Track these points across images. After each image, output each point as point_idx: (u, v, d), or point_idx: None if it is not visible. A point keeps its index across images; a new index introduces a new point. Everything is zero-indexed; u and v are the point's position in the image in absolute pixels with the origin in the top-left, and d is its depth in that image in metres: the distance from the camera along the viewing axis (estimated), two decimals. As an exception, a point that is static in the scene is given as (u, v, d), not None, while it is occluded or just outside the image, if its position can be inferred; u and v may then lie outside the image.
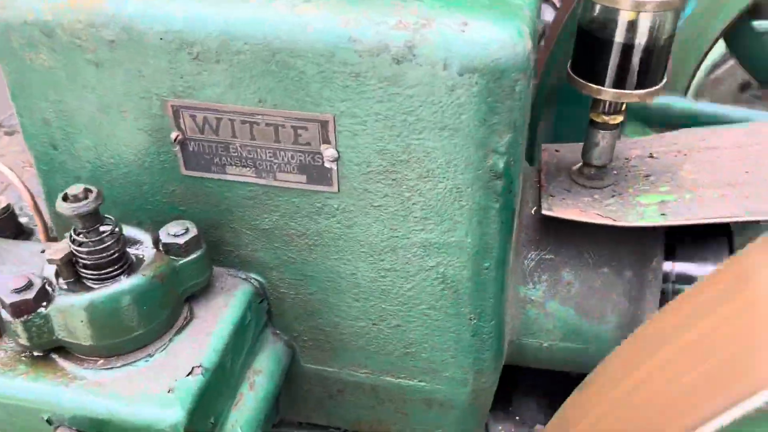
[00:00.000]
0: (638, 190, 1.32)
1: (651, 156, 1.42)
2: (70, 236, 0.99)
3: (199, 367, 1.02)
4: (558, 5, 2.09)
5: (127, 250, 1.04)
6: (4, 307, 0.94)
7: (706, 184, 1.29)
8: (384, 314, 1.17)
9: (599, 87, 1.20)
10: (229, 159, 1.05)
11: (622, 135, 1.52)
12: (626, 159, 1.42)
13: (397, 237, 1.06)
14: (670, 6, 1.09)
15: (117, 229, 1.00)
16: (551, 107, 1.93)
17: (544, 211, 1.22)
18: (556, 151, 1.44)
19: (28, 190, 1.29)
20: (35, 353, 0.93)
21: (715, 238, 1.38)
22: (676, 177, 1.33)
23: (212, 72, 0.88)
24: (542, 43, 1.83)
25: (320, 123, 0.98)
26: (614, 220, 1.23)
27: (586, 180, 1.34)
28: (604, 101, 1.23)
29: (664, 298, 1.34)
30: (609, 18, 1.13)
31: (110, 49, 0.89)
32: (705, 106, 2.04)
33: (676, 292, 1.34)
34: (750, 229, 1.28)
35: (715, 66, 2.50)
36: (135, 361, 1.02)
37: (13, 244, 1.12)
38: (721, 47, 2.26)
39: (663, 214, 1.23)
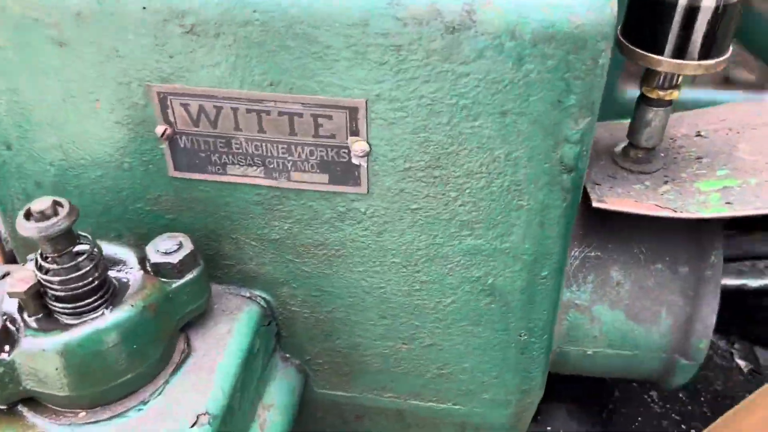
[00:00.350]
0: (693, 174, 1.16)
1: (699, 134, 1.25)
2: (37, 262, 0.78)
3: (205, 414, 0.83)
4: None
5: (109, 274, 0.84)
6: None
7: (771, 166, 1.14)
8: (416, 333, 0.99)
9: (658, 57, 1.02)
10: (230, 157, 0.85)
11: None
12: (671, 139, 1.26)
13: (437, 245, 0.88)
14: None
15: (95, 250, 0.80)
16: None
17: (595, 203, 1.05)
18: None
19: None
20: (-2, 407, 0.70)
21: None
22: (733, 159, 1.17)
23: (211, 49, 0.69)
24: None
25: (348, 110, 0.78)
26: (675, 212, 1.06)
27: (632, 164, 1.17)
28: (661, 73, 1.06)
29: (725, 297, 1.19)
30: (675, -25, 0.96)
31: (77, 23, 0.70)
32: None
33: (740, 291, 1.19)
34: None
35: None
36: (125, 412, 0.83)
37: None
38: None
39: (728, 203, 1.07)
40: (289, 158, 0.85)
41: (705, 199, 1.10)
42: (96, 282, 0.81)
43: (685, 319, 1.17)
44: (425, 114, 0.78)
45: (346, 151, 0.83)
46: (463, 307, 0.95)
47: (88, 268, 0.80)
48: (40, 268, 0.79)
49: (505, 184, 0.82)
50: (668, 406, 1.53)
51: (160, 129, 0.85)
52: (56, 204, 0.76)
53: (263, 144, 0.85)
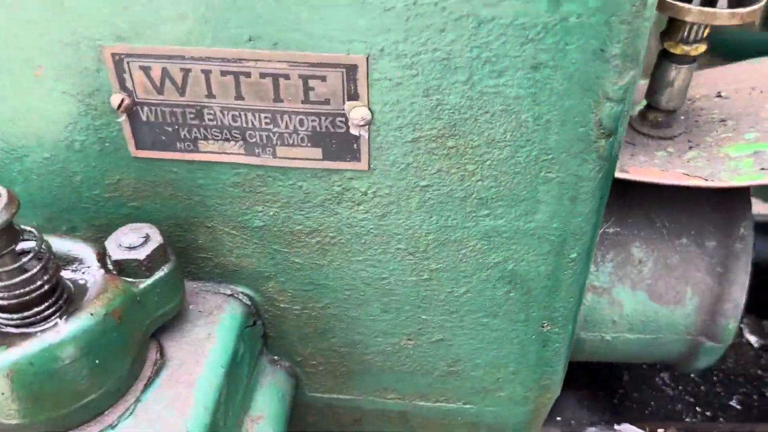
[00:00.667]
0: (718, 139, 1.04)
1: (719, 95, 1.14)
2: (-30, 265, 0.64)
3: (185, 437, 0.69)
4: None
5: (62, 275, 0.70)
6: None
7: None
8: (424, 327, 0.86)
9: (685, 5, 0.90)
10: (203, 130, 0.71)
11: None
12: (689, 100, 1.14)
13: (450, 227, 0.75)
14: None
15: (44, 248, 0.66)
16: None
17: (617, 173, 0.93)
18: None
19: None
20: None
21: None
22: (760, 121, 1.06)
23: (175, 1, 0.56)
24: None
25: (345, 69, 0.65)
26: (706, 180, 0.95)
27: (651, 128, 1.06)
28: (687, 24, 0.94)
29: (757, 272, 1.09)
30: None
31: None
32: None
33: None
34: None
35: None
36: (90, 439, 0.69)
37: None
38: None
39: (764, 169, 0.96)
40: (274, 130, 0.71)
41: (736, 165, 0.98)
42: (46, 286, 0.67)
43: (712, 299, 1.06)
44: (439, 71, 0.65)
45: (343, 119, 0.70)
46: (477, 297, 0.83)
47: (35, 269, 0.66)
48: (-26, 272, 0.64)
49: (532, 153, 0.70)
50: (680, 387, 1.44)
51: (116, 99, 0.70)
52: (-11, 193, 0.61)
53: (242, 114, 0.71)
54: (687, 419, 1.36)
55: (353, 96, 0.68)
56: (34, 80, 0.71)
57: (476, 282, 0.82)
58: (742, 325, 1.56)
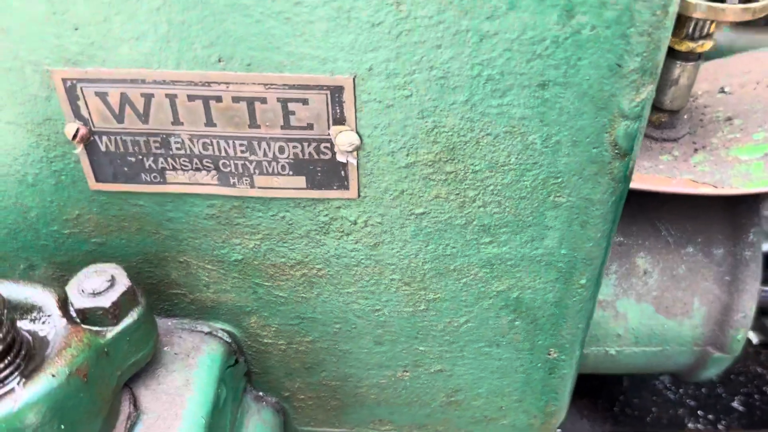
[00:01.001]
0: (725, 139, 0.98)
1: (723, 91, 1.08)
2: None
3: (164, 505, 0.62)
4: None
5: (20, 327, 0.62)
6: None
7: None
8: (421, 358, 0.80)
9: (693, 1, 0.83)
10: (170, 160, 0.63)
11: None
12: (691, 97, 1.08)
13: (449, 256, 0.68)
14: None
15: (-7, 301, 0.58)
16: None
17: (622, 184, 0.86)
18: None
19: None
20: None
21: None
22: (768, 118, 1.00)
23: (132, 15, 0.48)
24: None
25: (330, 91, 0.57)
26: (716, 187, 0.88)
27: (654, 129, 0.99)
28: (693, 20, 0.87)
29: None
30: None
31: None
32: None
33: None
34: None
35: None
36: None
37: None
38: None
39: (776, 173, 0.90)
40: (251, 158, 0.64)
41: (747, 169, 0.92)
42: (0, 346, 0.59)
43: (720, 309, 1.01)
44: (436, 91, 0.57)
45: (329, 145, 0.62)
46: (479, 327, 0.76)
47: (-17, 328, 0.58)
48: None
49: (540, 177, 0.63)
50: (681, 390, 1.39)
51: (70, 129, 0.62)
52: None
53: (214, 141, 0.63)
54: (690, 425, 1.31)
55: (339, 120, 0.61)
56: (-25, 110, 0.62)
57: (478, 311, 0.76)
58: (740, 321, 1.51)
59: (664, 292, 0.99)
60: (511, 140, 0.61)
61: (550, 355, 0.80)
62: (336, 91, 0.59)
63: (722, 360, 1.06)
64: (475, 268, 0.72)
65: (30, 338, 0.65)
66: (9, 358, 0.60)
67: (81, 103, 0.61)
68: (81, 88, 0.61)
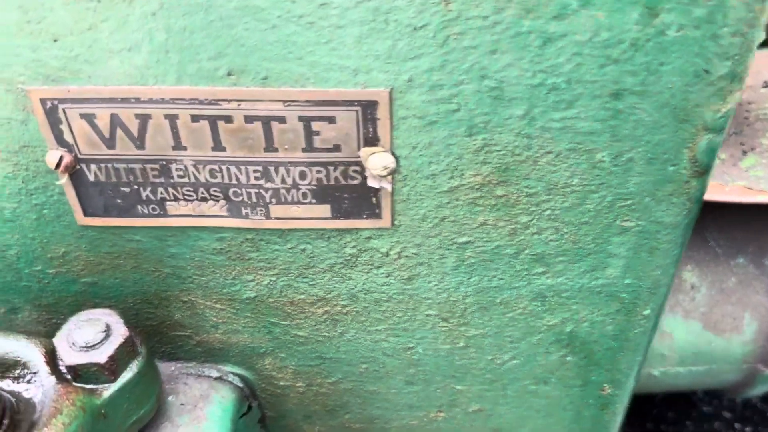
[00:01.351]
0: (777, 139, 0.89)
1: (766, 85, 0.99)
2: None
3: None
4: None
5: (1, 387, 0.53)
6: None
7: None
8: (458, 398, 0.71)
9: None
10: (171, 189, 0.54)
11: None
12: (734, 92, 0.98)
13: (494, 288, 0.59)
14: None
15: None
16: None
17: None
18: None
19: None
20: None
21: None
22: (822, 114, 0.91)
23: (123, 22, 0.38)
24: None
25: (361, 107, 0.48)
26: (776, 195, 0.79)
27: (699, 132, 0.89)
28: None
29: (825, 292, 0.95)
30: None
31: None
32: None
33: None
34: None
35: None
36: None
37: None
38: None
39: (841, 177, 0.81)
40: (267, 186, 0.54)
41: (807, 173, 0.83)
42: (-27, 418, 0.49)
43: (774, 323, 0.92)
44: (488, 104, 0.48)
45: (358, 169, 0.53)
46: (526, 364, 0.67)
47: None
48: None
49: (606, 199, 0.54)
50: (716, 402, 1.31)
51: (52, 157, 0.52)
52: None
53: (223, 168, 0.53)
54: (727, 440, 1.23)
55: (372, 140, 0.51)
56: (-62, 137, 0.53)
57: (525, 347, 0.67)
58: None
59: (713, 308, 0.91)
60: (575, 159, 0.52)
61: (603, 391, 0.72)
62: (368, 107, 0.49)
63: (773, 378, 0.98)
64: (525, 302, 0.62)
65: (13, 401, 0.56)
66: (-12, 430, 0.51)
67: (64, 126, 0.52)
68: (63, 110, 0.51)
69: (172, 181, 0.55)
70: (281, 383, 0.72)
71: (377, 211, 0.56)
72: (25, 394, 0.57)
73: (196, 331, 0.67)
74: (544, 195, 0.54)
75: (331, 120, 0.50)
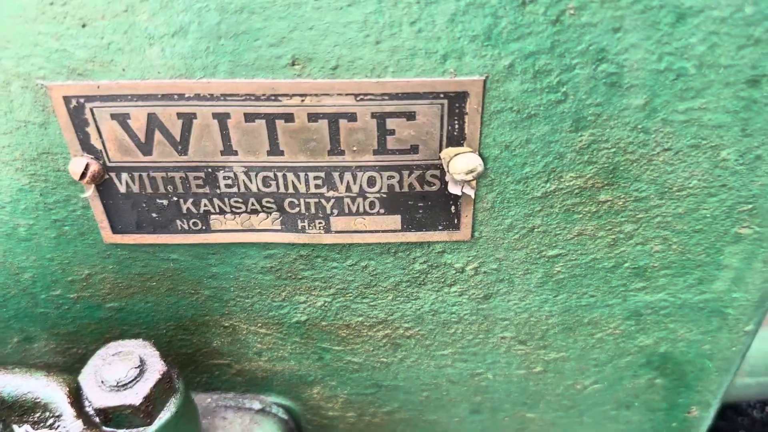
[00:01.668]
0: None
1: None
2: None
3: None
4: None
5: (15, 437, 0.46)
6: None
7: None
8: (528, 426, 0.64)
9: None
10: (217, 201, 0.45)
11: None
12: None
13: (583, 307, 0.51)
14: None
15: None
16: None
17: None
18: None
19: None
20: None
21: None
22: None
23: (167, 2, 0.29)
24: None
25: (448, 99, 0.40)
26: None
27: None
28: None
29: None
30: None
31: None
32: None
33: None
34: None
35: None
36: None
37: None
38: None
39: None
40: (329, 195, 0.46)
41: None
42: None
43: None
44: (602, 93, 0.40)
45: (437, 173, 0.45)
46: (609, 389, 0.60)
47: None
48: None
49: (725, 203, 0.46)
50: (767, 409, 1.23)
51: (76, 165, 0.44)
52: None
53: (279, 175, 0.45)
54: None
55: (456, 139, 0.43)
56: (-58, 145, 0.44)
57: (610, 371, 0.59)
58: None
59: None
60: (696, 157, 0.44)
61: (690, 413, 0.64)
62: (456, 100, 0.41)
63: None
64: (617, 321, 0.55)
65: (33, 452, 0.48)
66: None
67: (91, 129, 0.44)
68: (91, 109, 0.43)
69: (218, 191, 0.47)
70: (329, 413, 0.64)
71: (455, 221, 0.48)
72: (49, 443, 0.49)
73: (236, 359, 0.59)
74: (656, 199, 0.46)
75: (410, 116, 0.42)
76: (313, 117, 0.43)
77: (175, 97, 0.42)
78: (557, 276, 0.52)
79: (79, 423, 0.49)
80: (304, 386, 0.62)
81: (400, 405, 0.63)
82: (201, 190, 0.47)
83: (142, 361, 0.50)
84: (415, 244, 0.50)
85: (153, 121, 0.43)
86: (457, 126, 0.43)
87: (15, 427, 0.50)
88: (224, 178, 0.46)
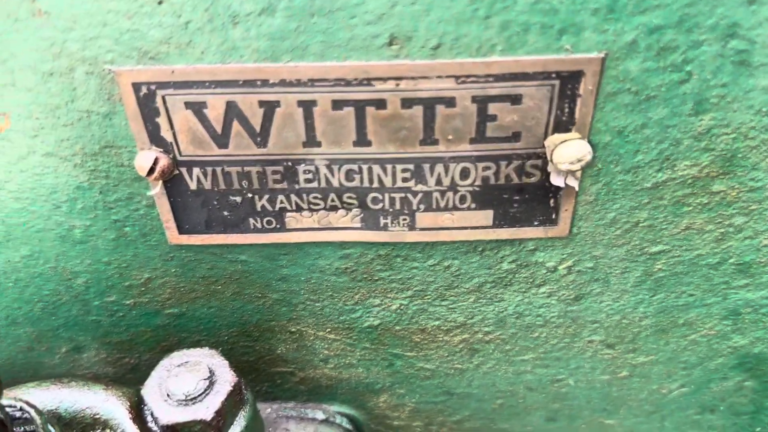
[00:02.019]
0: None
1: None
2: None
3: None
4: None
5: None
6: None
7: None
8: (604, 433, 0.59)
9: None
10: (294, 197, 0.42)
11: None
12: None
13: (680, 306, 0.48)
14: None
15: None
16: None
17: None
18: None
19: None
20: None
21: None
22: None
23: None
24: None
25: (561, 80, 0.36)
26: None
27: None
28: None
29: None
30: None
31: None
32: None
33: None
34: None
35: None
36: None
37: None
38: None
39: None
40: (417, 189, 0.42)
41: None
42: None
43: None
44: (729, 72, 0.37)
45: (538, 163, 0.41)
46: (695, 392, 0.56)
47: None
48: None
49: None
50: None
51: (144, 159, 0.40)
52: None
53: (364, 168, 0.41)
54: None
55: (564, 124, 0.39)
56: (5, 141, 0.41)
57: (699, 374, 0.55)
58: None
59: None
60: (826, 141, 0.40)
61: (777, 418, 0.60)
62: (570, 80, 0.38)
63: None
64: (713, 321, 0.51)
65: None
66: None
67: (162, 119, 0.40)
68: (163, 97, 0.39)
69: (296, 186, 0.43)
70: (395, 423, 0.60)
71: (553, 216, 0.44)
72: (110, 464, 0.45)
73: (300, 367, 0.56)
74: (776, 189, 0.43)
75: (515, 99, 0.39)
76: (407, 103, 0.39)
77: (258, 83, 0.38)
78: (657, 274, 0.48)
79: (145, 445, 0.45)
80: (370, 394, 0.58)
81: (471, 413, 0.60)
82: (278, 186, 0.43)
83: (211, 371, 0.46)
84: (505, 241, 0.46)
85: (232, 110, 0.39)
86: (567, 110, 0.39)
87: (75, 445, 0.46)
88: (304, 172, 0.42)
